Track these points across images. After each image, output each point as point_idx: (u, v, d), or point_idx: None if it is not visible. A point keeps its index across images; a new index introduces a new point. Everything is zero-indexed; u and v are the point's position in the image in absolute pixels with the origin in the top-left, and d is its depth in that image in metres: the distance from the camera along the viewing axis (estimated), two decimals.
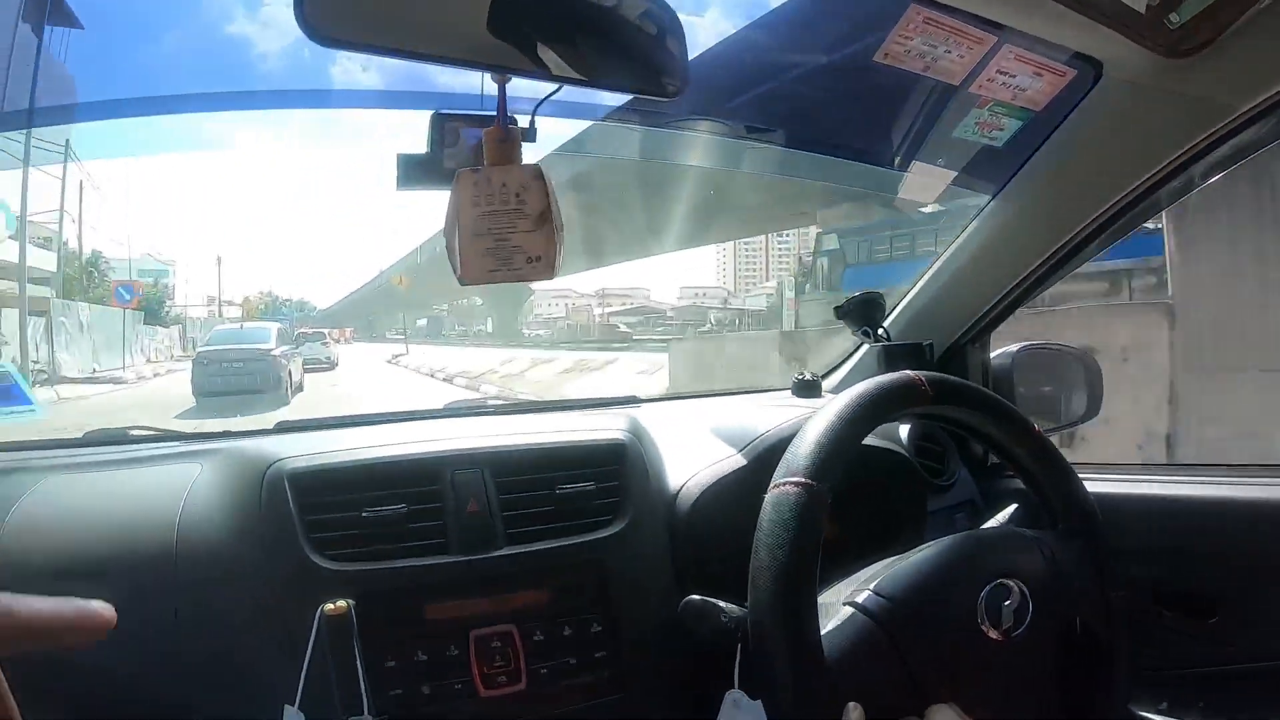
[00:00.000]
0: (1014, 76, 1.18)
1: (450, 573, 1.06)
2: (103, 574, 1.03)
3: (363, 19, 0.75)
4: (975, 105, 1.23)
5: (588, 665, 1.10)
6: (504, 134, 0.86)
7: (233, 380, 10.73)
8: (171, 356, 18.54)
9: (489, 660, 1.06)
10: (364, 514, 1.06)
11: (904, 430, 1.35)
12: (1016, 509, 1.14)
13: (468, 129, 0.95)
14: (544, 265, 0.86)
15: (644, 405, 1.60)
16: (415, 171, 0.94)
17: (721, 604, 0.94)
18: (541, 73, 0.82)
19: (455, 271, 0.86)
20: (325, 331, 22.84)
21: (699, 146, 1.50)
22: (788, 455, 0.88)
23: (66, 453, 1.32)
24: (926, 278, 1.47)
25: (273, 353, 11.75)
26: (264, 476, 1.08)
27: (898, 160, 1.47)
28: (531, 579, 1.10)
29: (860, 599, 0.90)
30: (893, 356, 1.41)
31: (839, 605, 0.91)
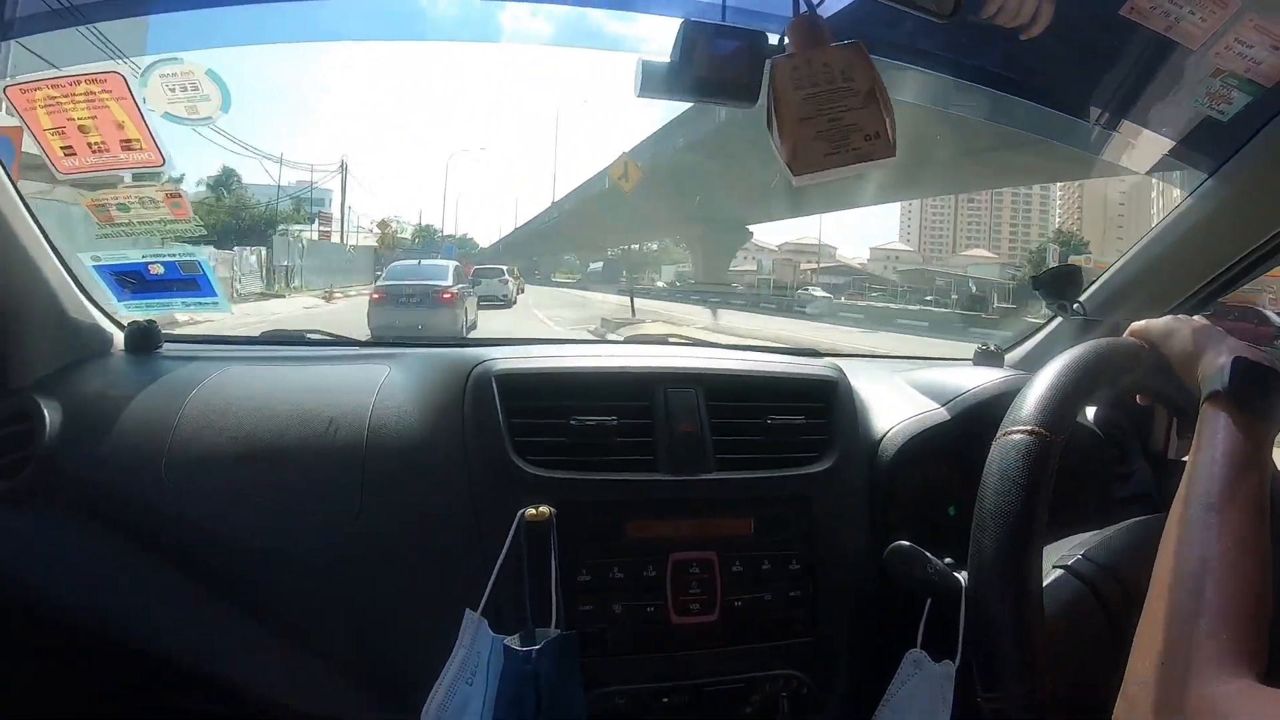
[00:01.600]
0: (1251, 47, 1.15)
1: (656, 491, 1.07)
2: (286, 461, 1.07)
3: None
4: (1209, 74, 1.21)
5: (782, 603, 1.09)
6: (811, 18, 0.87)
7: (409, 315, 10.90)
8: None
9: (685, 586, 1.05)
10: (572, 421, 1.07)
11: (1089, 413, 1.32)
12: None
13: (722, 39, 0.98)
14: (883, 142, 0.83)
15: (826, 358, 1.61)
16: (659, 79, 0.97)
17: (929, 555, 0.92)
18: None
19: (787, 169, 0.84)
20: (503, 269, 23.22)
21: (908, 84, 1.49)
22: (1016, 404, 0.81)
23: (247, 347, 1.40)
24: (1130, 254, 1.44)
25: (449, 289, 11.86)
26: (469, 376, 1.10)
27: (1113, 120, 1.43)
28: (736, 507, 1.10)
29: (1071, 563, 0.84)
30: (1089, 331, 1.38)
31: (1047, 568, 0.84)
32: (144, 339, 1.32)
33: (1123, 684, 0.64)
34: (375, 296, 11.68)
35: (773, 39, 0.93)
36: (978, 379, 1.26)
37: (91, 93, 1.13)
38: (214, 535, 1.06)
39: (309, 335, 1.51)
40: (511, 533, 0.98)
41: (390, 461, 1.07)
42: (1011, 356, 1.64)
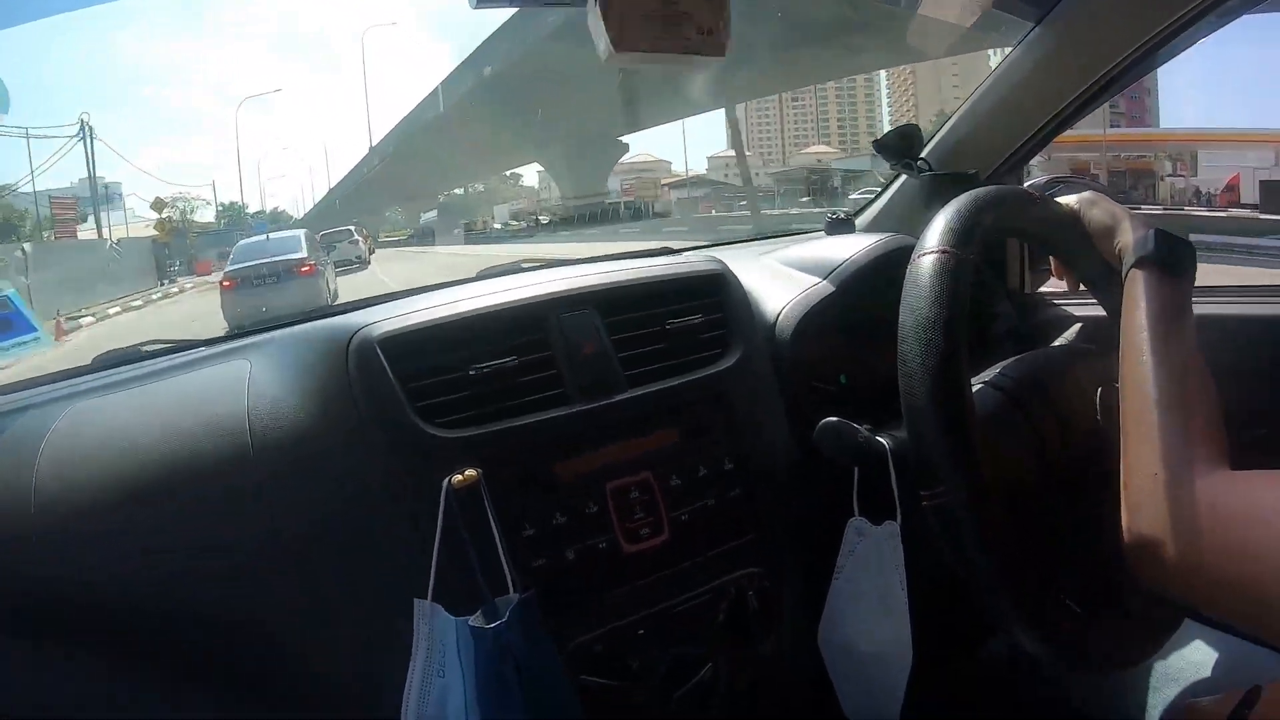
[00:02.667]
0: None
1: (575, 424, 1.00)
2: (169, 493, 0.92)
3: None
4: None
5: (725, 505, 1.07)
6: None
7: (270, 297, 9.91)
8: None
9: (629, 513, 1.01)
10: (471, 372, 0.97)
11: None
12: (1080, 327, 1.20)
13: None
14: (715, 40, 0.79)
15: (685, 254, 1.56)
16: None
17: (856, 425, 0.96)
18: None
19: (603, 41, 0.76)
20: (351, 229, 22.13)
21: None
22: (925, 232, 0.87)
23: (83, 380, 1.19)
24: (966, 107, 1.49)
25: (308, 261, 10.92)
26: (348, 349, 0.97)
27: None
28: (658, 420, 1.06)
29: (990, 378, 0.95)
30: (943, 185, 1.43)
31: None
32: None
33: (1125, 476, 0.78)
34: (225, 284, 10.62)
35: None
36: (851, 247, 1.29)
37: None
38: (110, 596, 0.90)
39: (145, 349, 1.28)
40: (442, 505, 0.88)
41: (282, 462, 0.94)
42: (861, 221, 1.69)
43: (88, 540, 0.90)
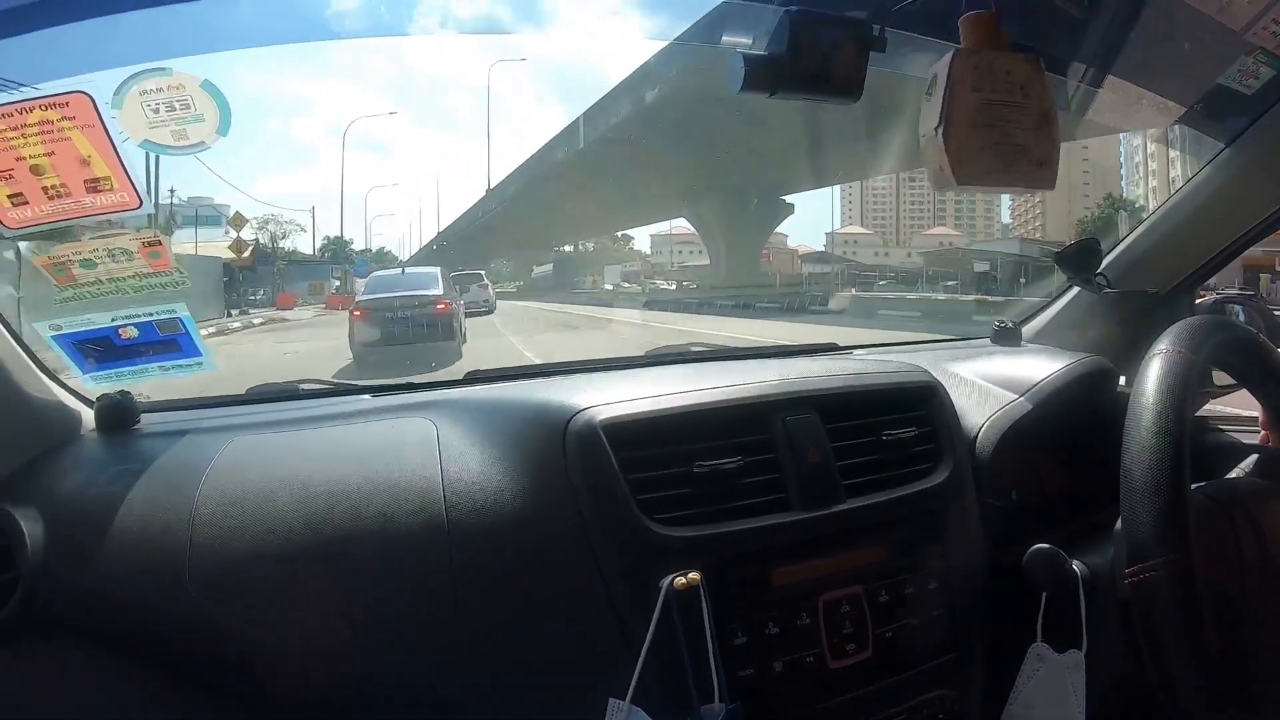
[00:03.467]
0: None
1: (795, 532, 1.00)
2: (340, 557, 0.91)
3: None
4: (1243, 52, 1.24)
5: (928, 624, 1.06)
6: (991, 20, 0.81)
7: (402, 333, 9.44)
8: None
9: (838, 627, 1.00)
10: (696, 469, 0.97)
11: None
12: (1258, 459, 1.18)
13: (829, 29, 0.89)
14: (1048, 173, 0.82)
15: (856, 353, 1.58)
16: (765, 73, 0.88)
17: (1065, 554, 0.97)
18: None
19: (938, 175, 0.80)
20: (482, 273, 21.88)
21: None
22: (1160, 337, 0.93)
23: (238, 411, 1.20)
24: (1148, 224, 1.49)
25: (443, 299, 10.39)
26: (567, 430, 0.97)
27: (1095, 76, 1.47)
28: (870, 534, 1.05)
29: (1197, 487, 0.96)
30: (1122, 301, 1.43)
31: None
32: (120, 415, 1.10)
33: None
34: (356, 314, 10.13)
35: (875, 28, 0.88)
36: (1045, 367, 1.29)
37: (48, 121, 0.89)
38: (264, 656, 0.90)
39: (302, 387, 1.31)
40: (659, 605, 0.88)
41: (485, 541, 0.93)
42: (1028, 330, 1.69)
43: (247, 589, 0.89)
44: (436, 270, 11.79)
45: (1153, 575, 0.80)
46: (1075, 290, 1.59)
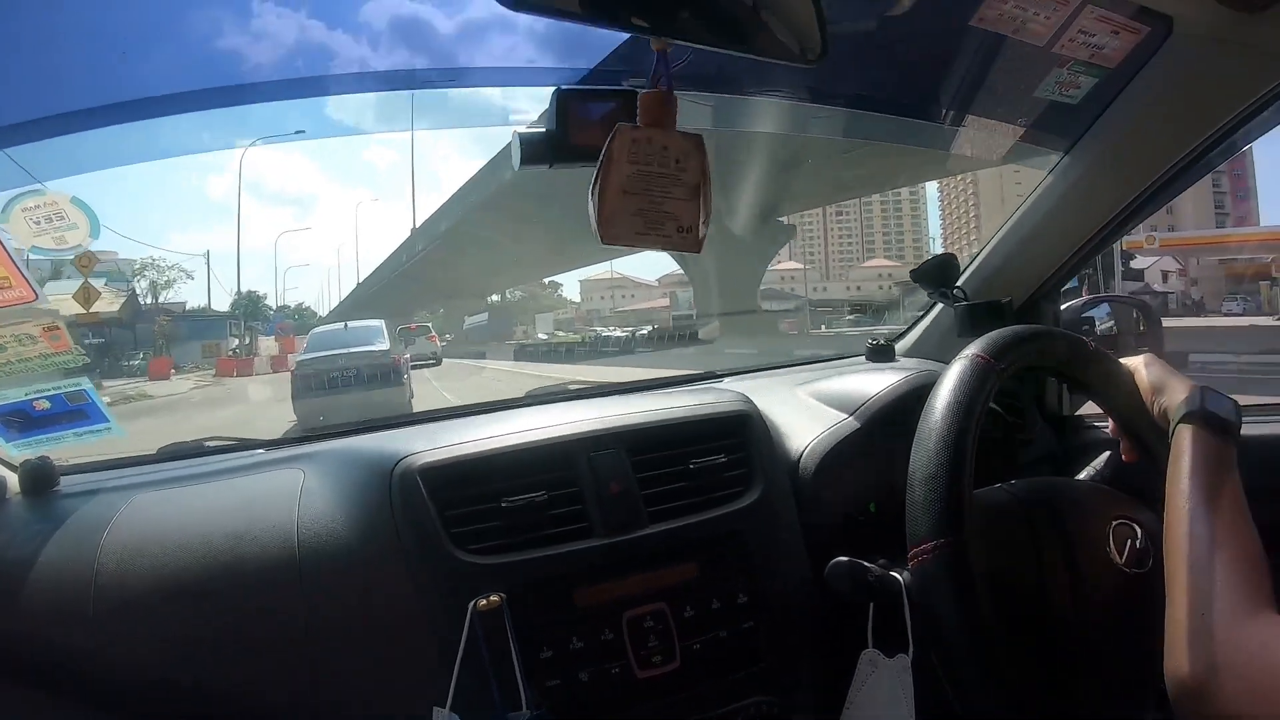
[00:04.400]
0: (1093, 35, 1.25)
1: (597, 556, 1.10)
2: (215, 593, 1.04)
3: None
4: (1056, 65, 1.31)
5: (737, 636, 1.15)
6: (665, 98, 0.89)
7: (349, 395, 8.76)
8: None
9: (643, 641, 1.10)
10: (504, 504, 1.09)
11: None
12: (1109, 456, 1.22)
13: (594, 104, 1.00)
14: (691, 237, 0.90)
15: (725, 380, 1.68)
16: (540, 149, 0.98)
17: (866, 563, 1.03)
18: (700, 37, 0.86)
19: (593, 228, 0.88)
20: (429, 326, 21.61)
21: (765, 113, 1.56)
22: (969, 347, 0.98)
23: (147, 469, 1.33)
24: (999, 236, 1.56)
25: (392, 354, 9.74)
26: (391, 474, 1.11)
27: (962, 117, 1.56)
28: (676, 555, 1.14)
29: (1003, 483, 1.04)
30: (976, 314, 1.48)
31: None
32: (41, 479, 1.25)
33: (1170, 618, 0.81)
34: (297, 375, 9.40)
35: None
36: (878, 383, 1.36)
37: None
38: (159, 684, 1.03)
39: (208, 444, 1.45)
40: (466, 625, 1.00)
41: (327, 576, 1.06)
42: (901, 346, 1.76)
43: (139, 623, 1.02)
44: (380, 324, 11.05)
45: (924, 559, 0.86)
46: (940, 306, 1.66)
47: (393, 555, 1.07)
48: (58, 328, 1.19)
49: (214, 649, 1.03)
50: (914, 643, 0.98)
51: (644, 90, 0.89)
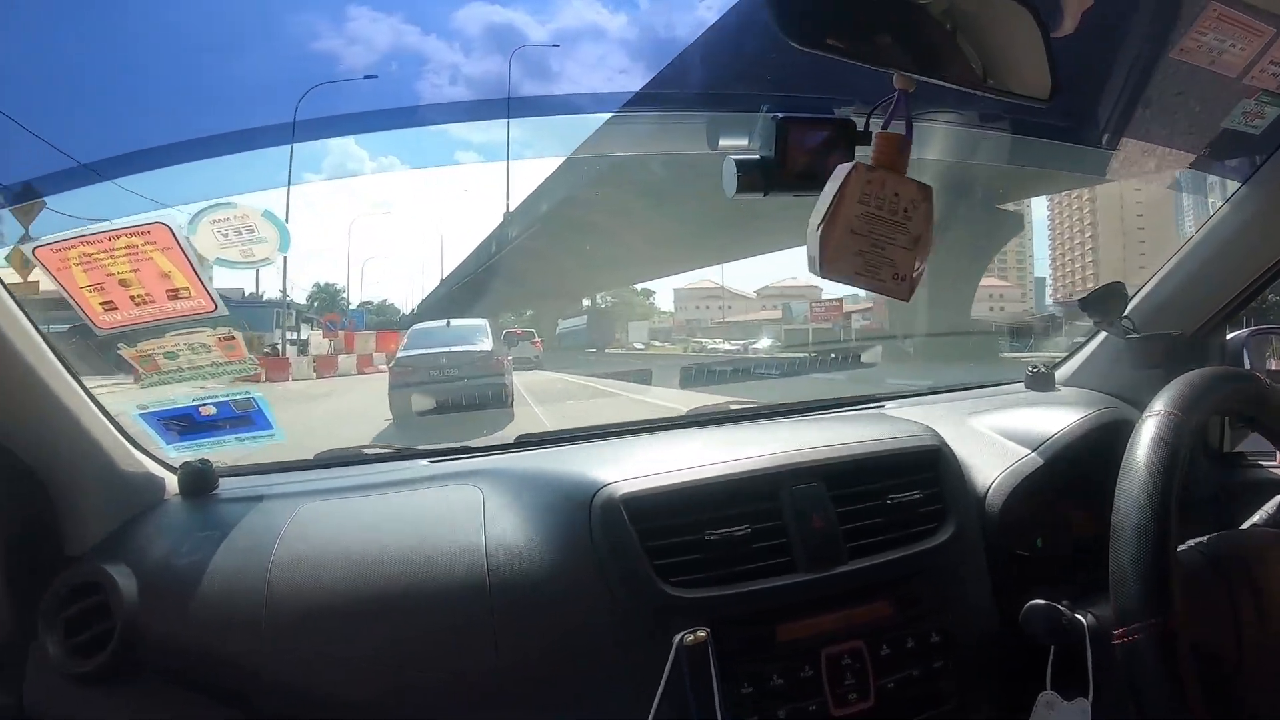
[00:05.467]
0: None
1: (799, 592, 1.09)
2: (396, 612, 1.04)
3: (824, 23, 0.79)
4: (1244, 95, 1.28)
5: (929, 676, 1.14)
6: (902, 142, 0.88)
7: (448, 394, 8.40)
8: None
9: (840, 678, 1.08)
10: (707, 536, 1.08)
11: None
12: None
13: (812, 132, 0.99)
14: (905, 286, 0.88)
15: (889, 405, 1.65)
16: (755, 176, 0.98)
17: (1061, 607, 1.01)
18: (947, 76, 0.85)
19: (812, 261, 0.88)
20: (533, 331, 21.13)
21: (939, 138, 1.54)
22: (1156, 397, 0.95)
23: (308, 476, 1.34)
24: (1169, 266, 1.52)
25: (495, 355, 9.40)
26: (591, 503, 1.10)
27: (1111, 139, 1.53)
28: (874, 592, 1.13)
29: (1194, 544, 0.99)
30: (1150, 348, 1.46)
31: None
32: (201, 481, 1.26)
33: None
34: (395, 371, 9.14)
35: (860, 123, 0.96)
36: (1058, 420, 1.35)
37: (133, 246, 1.07)
38: (329, 702, 1.04)
39: (366, 452, 1.46)
40: (670, 659, 0.99)
41: (521, 598, 1.06)
42: (1061, 374, 1.73)
43: (314, 639, 1.03)
44: (484, 323, 10.67)
45: (1136, 639, 0.83)
46: (1103, 335, 1.63)
47: (593, 585, 1.06)
48: (233, 337, 1.20)
49: (394, 669, 1.03)
50: (1094, 687, 0.96)
51: (880, 131, 0.89)
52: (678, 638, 0.99)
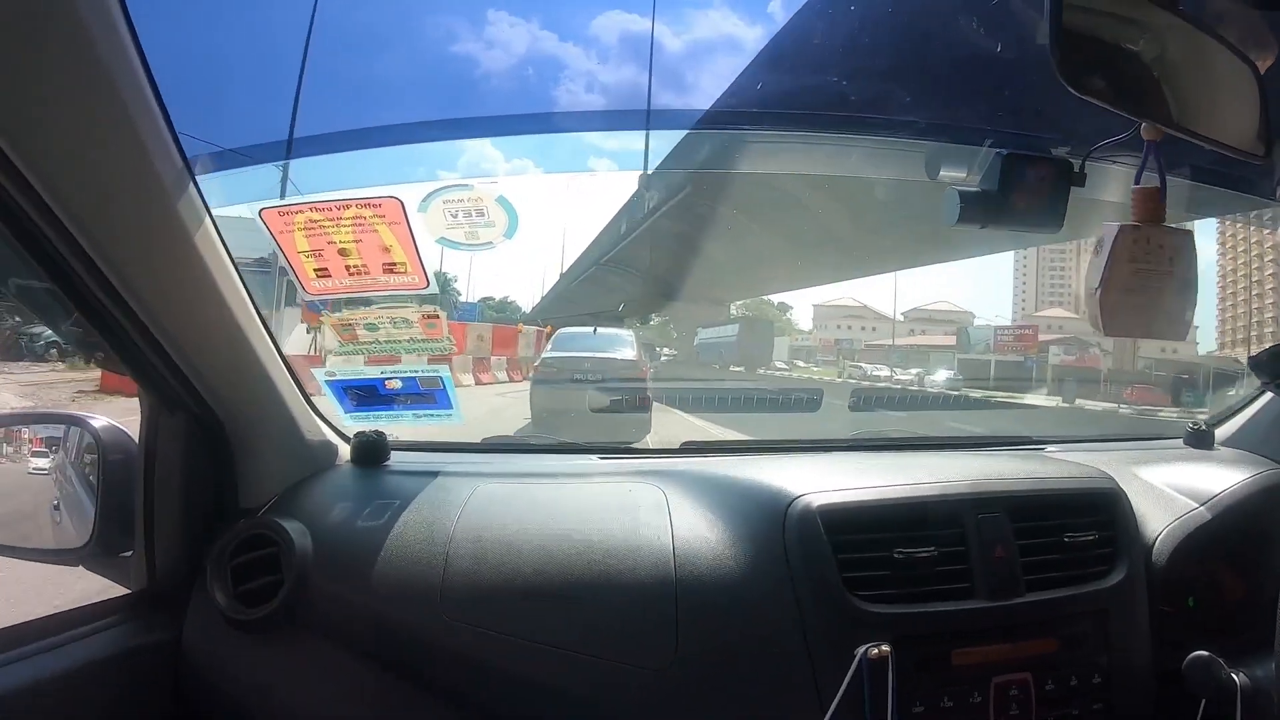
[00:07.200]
0: None
1: (976, 618, 1.12)
2: (581, 597, 1.08)
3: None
4: None
5: (1088, 717, 1.16)
6: (1158, 194, 0.92)
7: (590, 398, 7.91)
8: None
9: (1006, 708, 1.11)
10: (896, 554, 1.11)
11: None
12: None
13: (1033, 169, 1.02)
14: (1179, 329, 0.93)
15: (1049, 448, 1.68)
16: (978, 209, 1.01)
17: (1221, 662, 1.04)
18: (1191, 128, 0.87)
19: (1093, 320, 0.92)
20: (665, 347, 19.73)
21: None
22: None
23: (479, 459, 1.39)
24: None
25: (639, 364, 9.50)
26: (787, 512, 1.13)
27: None
28: (1045, 627, 1.16)
29: None
30: None
31: None
32: (374, 452, 1.32)
33: None
34: (540, 370, 9.35)
35: (1076, 164, 1.01)
36: (1225, 477, 1.37)
37: (361, 217, 1.12)
38: (503, 679, 1.07)
39: (530, 441, 1.51)
40: (852, 671, 1.01)
41: (708, 596, 1.09)
42: (1222, 433, 1.73)
43: (494, 619, 1.07)
44: (630, 333, 10.70)
45: None
46: (1269, 396, 1.62)
47: (780, 591, 1.09)
48: (437, 316, 1.23)
49: (572, 654, 1.06)
50: None
51: (1138, 187, 0.93)
52: (861, 650, 1.02)
